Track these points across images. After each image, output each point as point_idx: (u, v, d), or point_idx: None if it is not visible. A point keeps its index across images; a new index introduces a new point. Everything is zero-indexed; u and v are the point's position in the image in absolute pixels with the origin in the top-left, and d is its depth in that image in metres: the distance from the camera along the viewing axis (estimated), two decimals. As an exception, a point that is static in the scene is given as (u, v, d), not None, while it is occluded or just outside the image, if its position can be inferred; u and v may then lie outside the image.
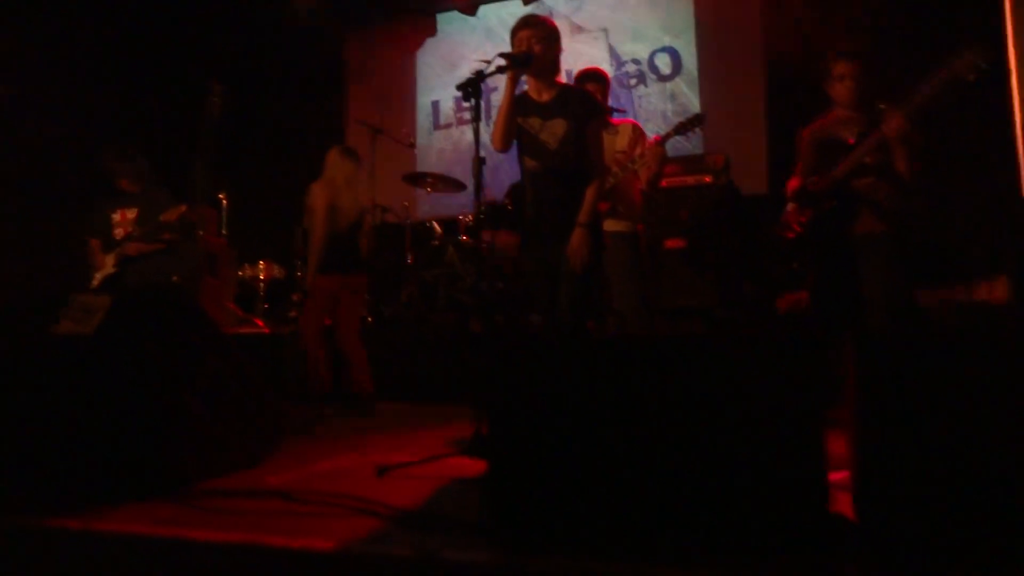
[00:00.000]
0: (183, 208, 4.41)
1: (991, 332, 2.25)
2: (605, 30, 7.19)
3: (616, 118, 4.17)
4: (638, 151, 3.92)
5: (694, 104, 6.75)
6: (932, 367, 1.77)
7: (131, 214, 4.67)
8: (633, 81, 7.02)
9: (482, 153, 3.00)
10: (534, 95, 3.25)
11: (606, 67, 7.11)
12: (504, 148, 3.24)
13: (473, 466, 2.74)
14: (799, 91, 6.11)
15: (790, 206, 3.57)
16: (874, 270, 3.29)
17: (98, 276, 4.67)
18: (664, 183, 4.55)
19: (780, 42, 6.32)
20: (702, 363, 1.89)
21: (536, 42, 3.11)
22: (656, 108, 6.92)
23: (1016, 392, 1.71)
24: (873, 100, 3.35)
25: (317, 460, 3.02)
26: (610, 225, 3.83)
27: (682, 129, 3.85)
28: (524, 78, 3.23)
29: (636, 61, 7.05)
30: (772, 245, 5.68)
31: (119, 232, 4.69)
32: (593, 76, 4.05)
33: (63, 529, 2.08)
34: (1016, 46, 4.67)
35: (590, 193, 3.14)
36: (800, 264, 3.76)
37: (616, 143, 3.98)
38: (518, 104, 3.24)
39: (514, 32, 3.18)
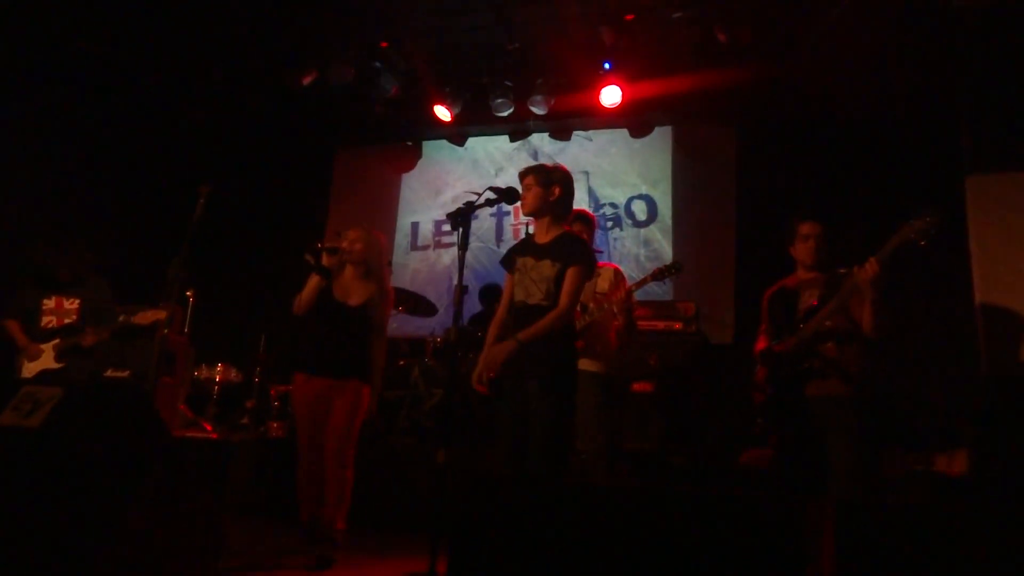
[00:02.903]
0: (162, 315, 4.14)
1: (961, 507, 2.25)
2: (586, 173, 7.48)
3: (600, 260, 4.23)
4: (617, 295, 4.00)
5: (667, 251, 6.95)
6: (912, 540, 1.75)
7: (70, 304, 4.53)
8: (610, 224, 7.25)
9: (464, 282, 3.03)
10: (538, 236, 3.35)
11: (585, 207, 7.37)
12: None
13: (423, 609, 2.59)
14: (768, 248, 6.39)
15: (759, 369, 3.60)
16: (838, 435, 3.26)
17: (32, 366, 4.44)
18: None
19: (752, 200, 6.63)
20: (678, 518, 1.84)
21: (537, 185, 3.27)
22: (630, 252, 7.11)
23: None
24: (834, 265, 3.46)
25: (257, 587, 2.82)
26: (582, 364, 3.82)
27: (659, 276, 3.96)
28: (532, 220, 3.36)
29: (614, 205, 7.31)
30: (738, 398, 5.73)
31: (50, 320, 4.50)
32: (579, 217, 4.18)
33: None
34: (975, 224, 4.91)
35: (544, 319, 3.13)
36: (766, 422, 3.75)
37: (597, 284, 4.09)
38: (523, 244, 3.42)
39: (521, 176, 3.35)
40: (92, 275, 4.69)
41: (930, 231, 3.10)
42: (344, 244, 3.81)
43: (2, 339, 4.54)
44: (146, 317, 4.37)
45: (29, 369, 4.44)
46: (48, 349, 4.48)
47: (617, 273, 4.21)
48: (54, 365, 4.45)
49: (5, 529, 2.42)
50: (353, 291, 3.81)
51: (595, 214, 7.40)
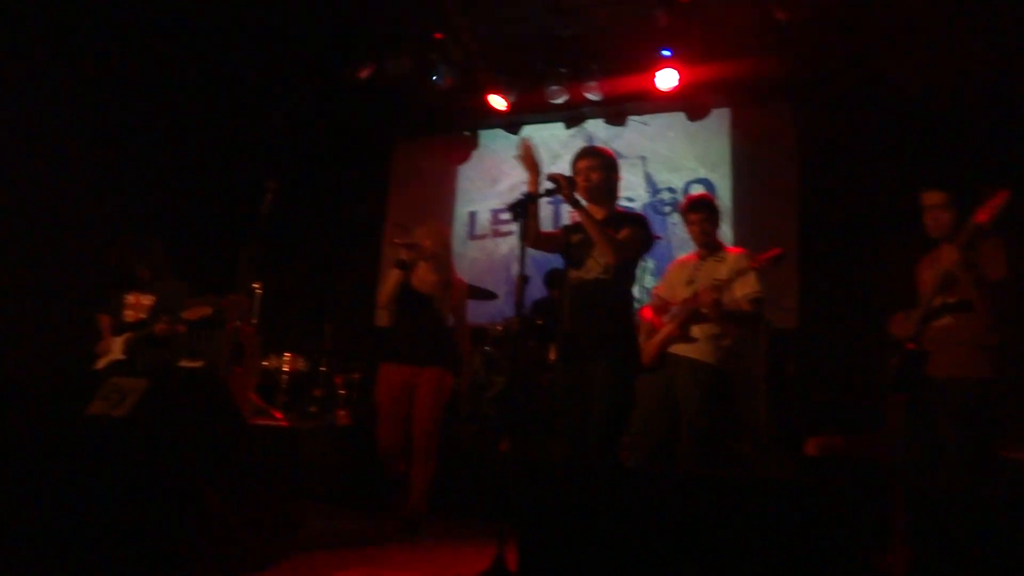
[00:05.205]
0: (207, 311, 4.45)
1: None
2: (643, 158, 7.41)
3: (728, 246, 3.99)
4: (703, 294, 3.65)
5: (727, 236, 6.84)
6: (984, 529, 1.73)
7: (146, 300, 4.70)
8: (668, 209, 7.18)
9: (525, 272, 3.08)
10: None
11: (642, 193, 7.33)
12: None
13: (491, 594, 2.64)
14: (832, 230, 6.26)
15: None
16: (951, 419, 3.07)
17: (104, 360, 4.63)
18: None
19: (815, 181, 6.47)
20: (742, 508, 1.84)
21: (593, 171, 3.28)
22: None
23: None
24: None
25: (327, 572, 2.92)
26: (681, 349, 3.68)
27: (763, 265, 3.65)
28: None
29: (671, 190, 7.23)
30: (802, 384, 5.63)
31: (130, 315, 4.68)
32: (701, 204, 3.96)
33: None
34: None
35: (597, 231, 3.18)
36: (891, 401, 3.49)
37: (718, 270, 3.73)
38: (572, 226, 3.43)
39: (574, 161, 3.36)
40: (168, 274, 4.90)
41: (1000, 213, 2.98)
42: (416, 241, 4.12)
43: (92, 332, 4.77)
44: (192, 313, 4.50)
45: (103, 363, 4.62)
46: (118, 342, 4.66)
47: (740, 258, 3.71)
48: (120, 357, 4.62)
49: (97, 514, 2.57)
50: (428, 282, 4.15)
51: (652, 199, 7.37)
